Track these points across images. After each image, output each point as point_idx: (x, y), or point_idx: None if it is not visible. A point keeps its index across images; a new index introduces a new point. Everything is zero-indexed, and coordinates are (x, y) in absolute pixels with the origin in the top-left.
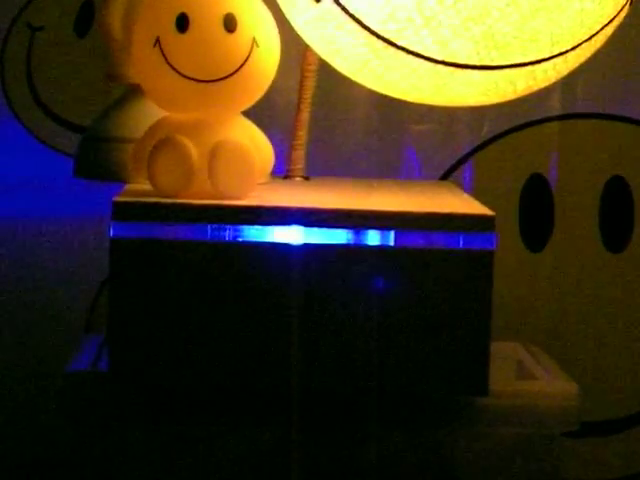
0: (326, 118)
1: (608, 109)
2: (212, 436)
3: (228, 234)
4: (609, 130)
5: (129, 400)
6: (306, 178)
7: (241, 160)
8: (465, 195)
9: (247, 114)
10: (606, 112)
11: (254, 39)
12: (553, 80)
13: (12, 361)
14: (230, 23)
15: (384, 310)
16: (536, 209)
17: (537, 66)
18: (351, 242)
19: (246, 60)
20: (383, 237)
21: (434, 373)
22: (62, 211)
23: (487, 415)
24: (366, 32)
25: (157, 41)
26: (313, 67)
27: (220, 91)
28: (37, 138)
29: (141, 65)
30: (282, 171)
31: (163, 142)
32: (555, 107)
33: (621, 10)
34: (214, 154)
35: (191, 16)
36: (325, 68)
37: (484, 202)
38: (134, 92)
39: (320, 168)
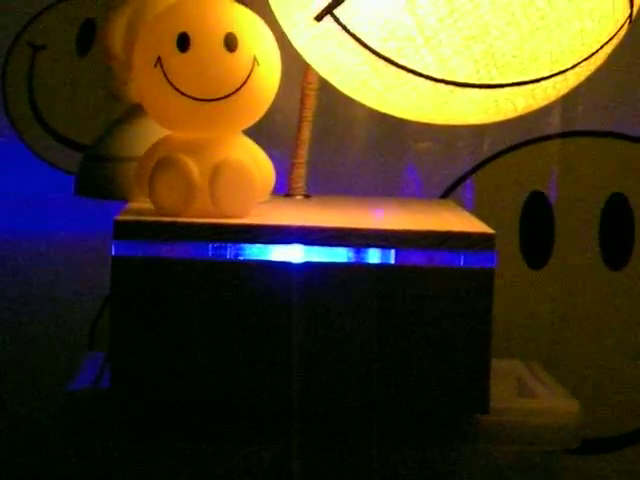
0: (327, 136)
1: (608, 127)
2: (213, 453)
3: (229, 252)
4: (609, 147)
5: (131, 417)
6: (307, 196)
7: (242, 179)
8: (466, 213)
9: (248, 133)
10: (606, 130)
11: (255, 58)
12: (553, 98)
13: (14, 378)
14: (231, 42)
15: (385, 328)
16: (536, 226)
17: (537, 85)
18: (352, 260)
19: (247, 79)
20: (384, 255)
21: (435, 390)
22: (63, 229)
23: (488, 432)
24: (366, 51)
25: (158, 60)
26: (314, 86)
27: (221, 110)
28: (38, 156)
29: (142, 84)
30: (283, 189)
31: (164, 161)
32: (555, 125)
33: (620, 29)
34: (215, 173)
35: (192, 35)
36: (326, 87)
37: (485, 220)
38: (135, 111)
39: (321, 186)
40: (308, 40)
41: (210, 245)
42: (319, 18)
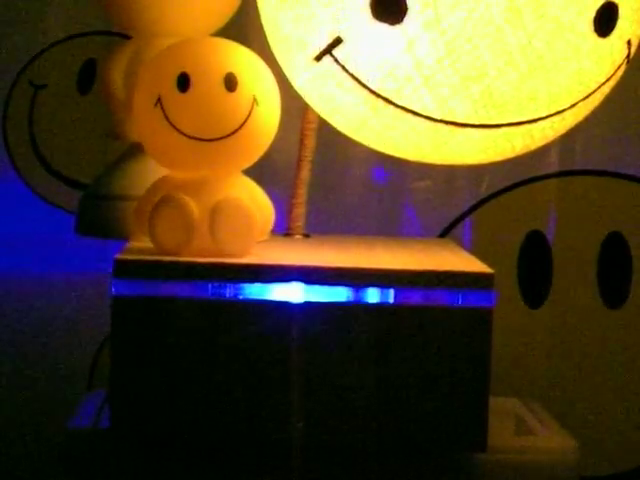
0: (326, 176)
1: (605, 166)
2: None
3: (229, 292)
4: (606, 187)
5: (131, 457)
6: (306, 236)
7: (242, 218)
8: (464, 252)
9: (247, 172)
10: (603, 169)
11: (254, 98)
12: (551, 138)
13: (14, 417)
14: (231, 82)
15: (384, 367)
16: (535, 265)
17: (535, 125)
18: (351, 300)
19: (247, 119)
20: (383, 295)
21: (433, 429)
22: (63, 268)
23: (486, 471)
24: (365, 91)
25: (158, 100)
26: (313, 125)
27: (221, 150)
28: (38, 194)
29: (142, 124)
30: (282, 228)
31: (164, 200)
32: (553, 164)
33: (618, 69)
34: (215, 212)
35: (192, 75)
36: (325, 126)
37: (483, 259)
38: (135, 150)
39: (320, 226)
40: (307, 80)
41: (210, 284)
42: (318, 58)
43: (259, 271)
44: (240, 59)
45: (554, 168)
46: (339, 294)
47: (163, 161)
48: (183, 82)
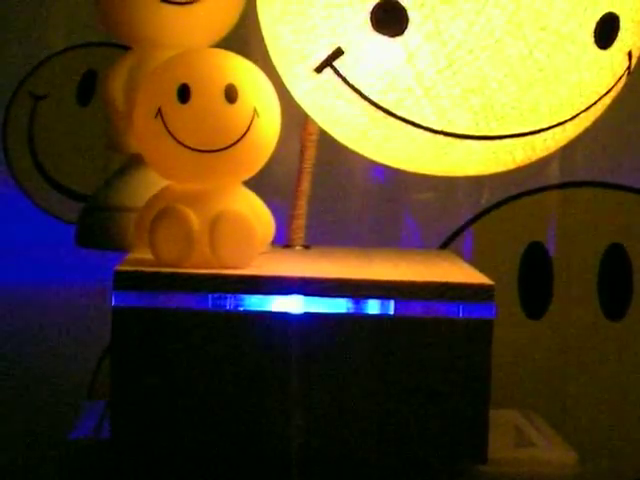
0: (326, 187)
1: (606, 177)
2: None
3: (229, 303)
4: (607, 198)
5: (131, 468)
6: (306, 247)
7: (242, 230)
8: (464, 264)
9: (248, 184)
10: (604, 180)
11: (255, 109)
12: (552, 150)
13: (13, 428)
14: (231, 94)
15: (384, 378)
16: (535, 277)
17: (536, 136)
18: (351, 311)
19: (247, 130)
20: (383, 306)
21: (433, 440)
22: (63, 279)
23: None
24: (366, 102)
25: (159, 111)
26: (313, 137)
27: (221, 161)
28: (39, 206)
29: (143, 135)
30: (282, 240)
31: (164, 212)
32: (554, 175)
33: (619, 80)
34: (215, 224)
35: (192, 87)
36: (325, 138)
37: (483, 270)
38: (136, 161)
39: (320, 237)
40: (308, 91)
41: (210, 296)
42: (319, 70)
43: (259, 282)
44: (240, 70)
45: (555, 179)
46: (339, 305)
47: (163, 172)
48: (183, 93)
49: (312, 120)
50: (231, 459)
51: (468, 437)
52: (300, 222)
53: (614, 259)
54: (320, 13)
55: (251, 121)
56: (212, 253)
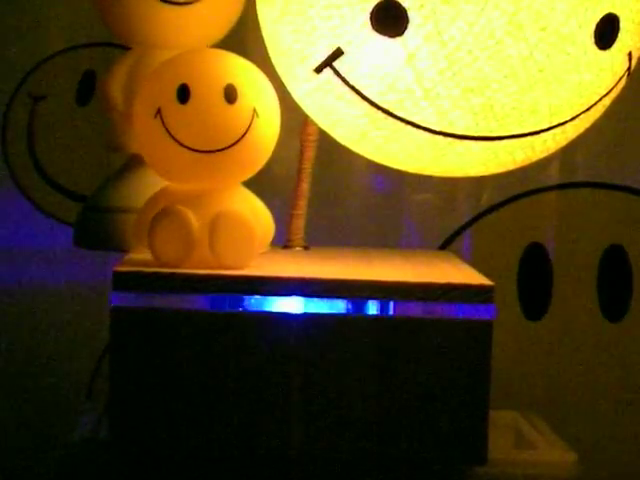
0: (326, 188)
1: (606, 178)
2: None
3: (228, 304)
4: (607, 199)
5: (130, 468)
6: (306, 248)
7: (241, 230)
8: (464, 265)
9: (247, 184)
10: (604, 181)
11: (254, 110)
12: (552, 150)
13: (12, 428)
14: (231, 94)
15: (383, 379)
16: (535, 278)
17: (536, 137)
18: (351, 312)
19: (247, 131)
20: (382, 307)
21: (433, 442)
22: (62, 279)
23: None
24: (366, 103)
25: (158, 112)
26: (313, 137)
27: (221, 162)
28: (37, 206)
29: (142, 135)
30: (282, 241)
31: (164, 212)
32: (554, 176)
33: (619, 81)
34: (215, 224)
35: (192, 87)
36: (325, 138)
37: (483, 271)
38: (135, 162)
39: (320, 237)
40: (308, 92)
41: (209, 296)
42: (319, 70)
43: (259, 283)
44: (240, 71)
45: (555, 180)
46: (339, 306)
47: (163, 173)
48: (183, 94)
49: (312, 121)
50: (231, 459)
51: (468, 438)
52: (300, 222)
53: (614, 260)
54: (320, 14)
55: (251, 121)
56: (211, 253)
